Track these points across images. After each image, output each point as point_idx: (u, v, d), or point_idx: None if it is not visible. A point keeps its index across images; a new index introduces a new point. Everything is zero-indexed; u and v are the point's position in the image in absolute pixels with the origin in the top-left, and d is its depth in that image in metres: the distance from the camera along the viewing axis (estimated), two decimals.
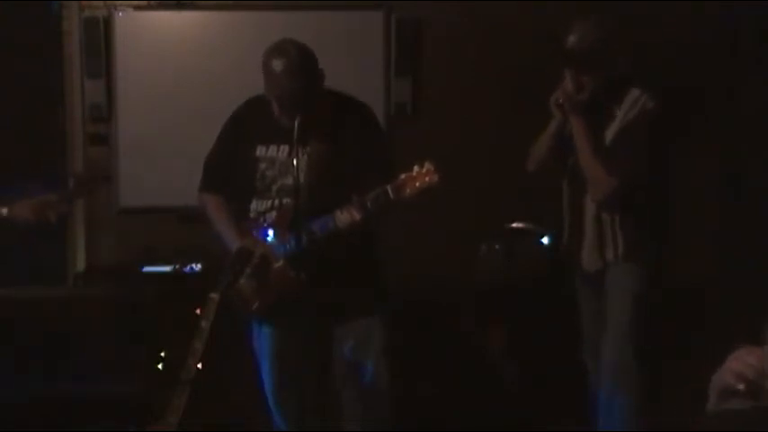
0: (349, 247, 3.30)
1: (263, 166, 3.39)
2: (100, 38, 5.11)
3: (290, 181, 3.29)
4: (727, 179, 5.30)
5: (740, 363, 1.76)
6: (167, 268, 4.83)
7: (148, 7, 5.18)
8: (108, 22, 5.11)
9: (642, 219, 3.57)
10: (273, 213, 3.38)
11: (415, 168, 3.14)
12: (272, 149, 3.37)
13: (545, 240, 4.66)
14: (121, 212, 5.21)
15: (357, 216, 3.16)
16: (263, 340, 3.54)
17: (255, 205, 3.42)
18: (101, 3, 5.15)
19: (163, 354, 4.24)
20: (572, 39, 3.47)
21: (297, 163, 3.15)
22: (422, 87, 5.32)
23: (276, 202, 3.38)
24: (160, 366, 4.23)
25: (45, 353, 4.38)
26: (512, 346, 4.66)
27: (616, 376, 3.58)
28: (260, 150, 3.39)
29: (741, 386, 1.74)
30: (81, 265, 5.25)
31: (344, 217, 3.18)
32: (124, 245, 5.18)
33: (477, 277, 4.81)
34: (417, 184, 3.12)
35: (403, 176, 3.14)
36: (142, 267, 4.88)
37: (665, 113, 3.49)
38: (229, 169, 3.48)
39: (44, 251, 4.90)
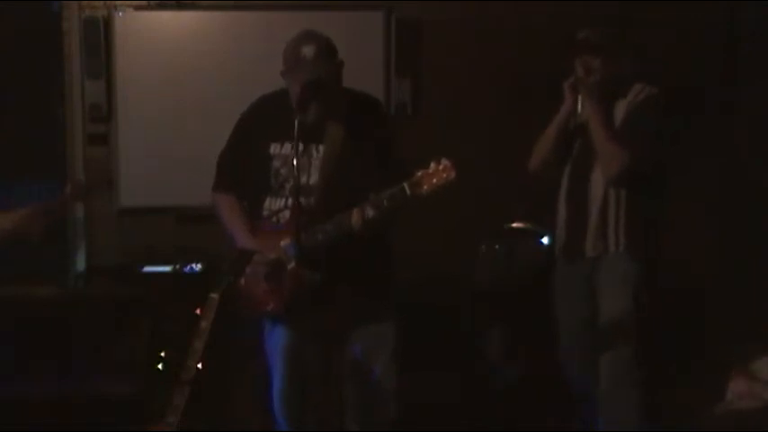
0: (363, 247, 3.22)
1: (276, 163, 3.33)
2: (100, 38, 5.10)
3: (303, 179, 3.21)
4: (727, 179, 5.30)
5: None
6: (167, 268, 4.83)
7: (148, 7, 5.18)
8: (108, 22, 5.11)
9: (644, 209, 3.61)
10: (287, 212, 3.31)
11: (432, 165, 3.05)
12: (287, 147, 3.30)
13: (545, 240, 4.66)
14: (121, 212, 5.21)
15: (372, 215, 3.10)
16: (276, 340, 3.47)
17: (269, 203, 3.36)
18: (101, 3, 5.15)
19: (163, 354, 4.24)
20: (582, 31, 3.66)
21: (298, 162, 3.04)
22: (422, 87, 5.32)
23: (290, 200, 3.30)
24: (160, 366, 4.23)
25: (45, 353, 4.38)
26: (512, 346, 4.66)
27: (616, 375, 3.58)
28: (274, 148, 3.33)
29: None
30: (81, 265, 5.25)
31: (359, 216, 3.11)
32: (124, 245, 5.18)
33: (477, 277, 4.80)
34: (435, 180, 3.03)
35: (420, 173, 3.05)
36: (142, 267, 4.88)
37: (667, 105, 3.61)
38: (243, 167, 3.41)
39: (44, 251, 4.90)
